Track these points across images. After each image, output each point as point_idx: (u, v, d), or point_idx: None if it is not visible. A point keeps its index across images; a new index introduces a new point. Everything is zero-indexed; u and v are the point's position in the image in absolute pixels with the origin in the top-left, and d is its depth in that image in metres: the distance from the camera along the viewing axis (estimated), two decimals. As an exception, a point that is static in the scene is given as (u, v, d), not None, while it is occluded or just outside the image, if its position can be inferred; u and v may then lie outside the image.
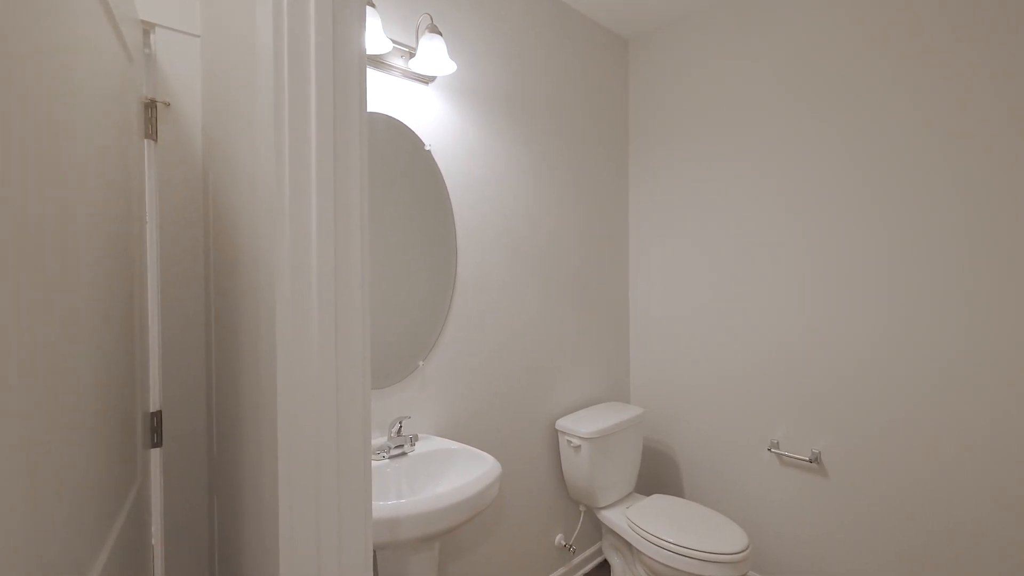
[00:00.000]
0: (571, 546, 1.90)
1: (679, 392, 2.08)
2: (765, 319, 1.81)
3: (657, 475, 2.17)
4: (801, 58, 1.71)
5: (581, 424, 1.77)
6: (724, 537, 1.54)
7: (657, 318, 2.15)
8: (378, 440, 1.33)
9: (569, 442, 1.76)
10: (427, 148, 1.46)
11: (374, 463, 1.26)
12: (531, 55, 1.78)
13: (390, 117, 1.38)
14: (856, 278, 1.60)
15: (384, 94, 1.38)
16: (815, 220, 1.68)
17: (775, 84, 1.77)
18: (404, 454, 1.32)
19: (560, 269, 1.91)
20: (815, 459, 1.69)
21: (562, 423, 1.80)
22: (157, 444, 1.16)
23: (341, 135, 0.68)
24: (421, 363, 1.45)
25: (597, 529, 2.07)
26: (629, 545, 1.74)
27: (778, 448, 1.79)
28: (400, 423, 1.32)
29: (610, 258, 2.14)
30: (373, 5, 1.22)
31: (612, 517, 1.77)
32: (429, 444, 1.38)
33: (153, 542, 1.16)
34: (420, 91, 1.45)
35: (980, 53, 1.38)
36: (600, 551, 2.05)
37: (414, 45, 1.43)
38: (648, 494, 2.20)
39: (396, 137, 1.40)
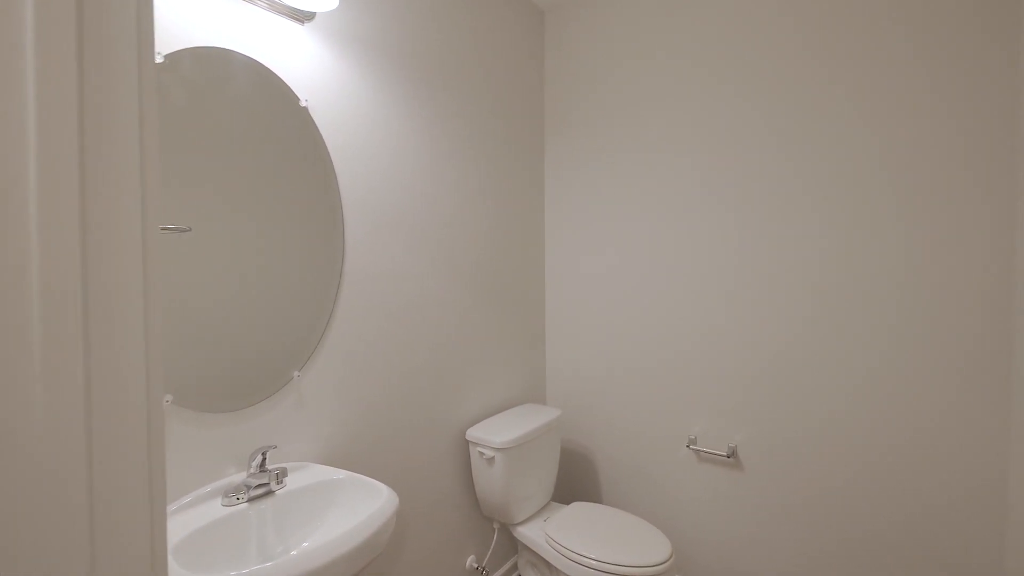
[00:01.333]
0: (484, 568, 1.71)
1: (598, 390, 1.97)
2: (684, 312, 1.75)
3: (576, 480, 2.05)
4: (728, 43, 1.64)
5: (495, 432, 1.58)
6: (647, 547, 1.43)
7: (575, 312, 2.02)
8: (234, 478, 1.03)
9: (481, 454, 1.56)
10: (303, 104, 1.17)
11: (227, 509, 0.95)
12: (437, 8, 1.54)
13: (252, 60, 1.07)
14: (777, 272, 1.57)
15: (243, 29, 1.06)
16: (738, 212, 1.64)
17: (700, 69, 1.69)
18: (270, 493, 1.03)
19: (470, 258, 1.69)
20: (732, 454, 1.66)
21: (474, 432, 1.60)
22: None
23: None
24: (297, 374, 1.16)
25: (513, 546, 1.90)
26: (547, 563, 1.59)
27: (696, 444, 1.74)
28: (264, 454, 1.02)
29: (524, 248, 1.97)
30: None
31: (529, 533, 1.60)
32: (306, 476, 1.10)
33: None
34: (294, 32, 1.15)
35: (915, 46, 1.38)
36: (516, 569, 1.89)
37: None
38: (567, 502, 2.07)
39: (261, 87, 1.09)
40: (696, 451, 1.72)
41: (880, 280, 1.41)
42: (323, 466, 1.15)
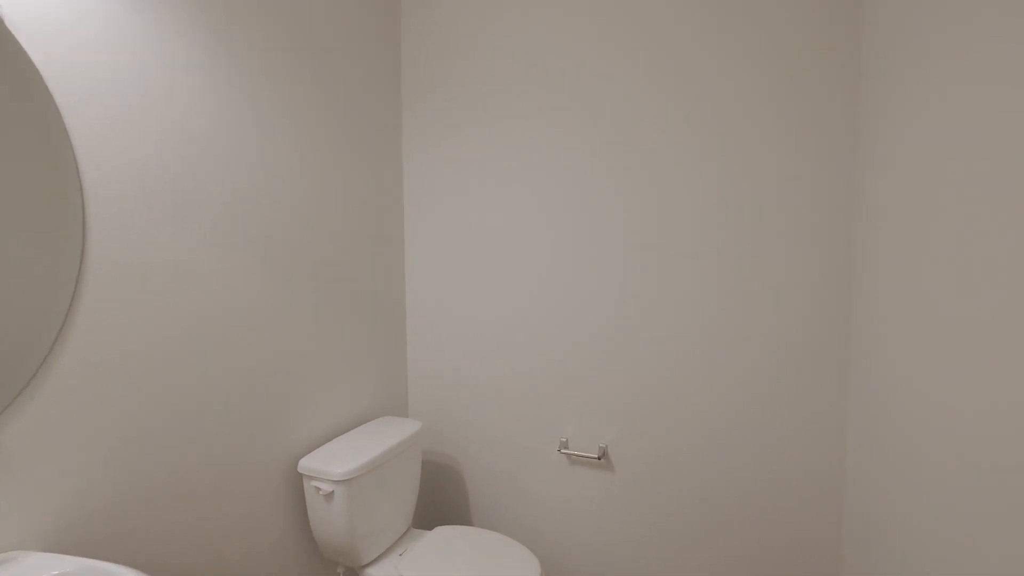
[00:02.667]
0: (328, 622, 1.42)
1: (466, 395, 1.77)
2: (556, 308, 1.61)
3: (442, 500, 1.84)
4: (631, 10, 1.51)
5: (335, 460, 1.29)
6: (514, 572, 1.27)
7: (439, 311, 1.78)
8: None
9: (318, 489, 1.27)
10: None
11: None
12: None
13: None
14: (641, 269, 1.50)
15: None
16: (612, 207, 1.53)
17: (592, 28, 1.55)
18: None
19: (307, 252, 1.37)
20: (602, 454, 1.57)
21: (308, 463, 1.29)
22: None
23: None
24: (-8, 422, 0.76)
25: (367, 582, 1.63)
26: (404, 606, 1.36)
27: (567, 447, 1.63)
28: None
29: (379, 239, 1.68)
30: None
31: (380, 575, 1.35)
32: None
33: None
34: None
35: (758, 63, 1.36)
36: (371, 609, 1.62)
37: None
38: (430, 527, 1.85)
39: None
40: (568, 454, 1.61)
41: (731, 273, 1.40)
42: (44, 555, 0.77)
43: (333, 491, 1.25)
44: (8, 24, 0.78)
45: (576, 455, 1.59)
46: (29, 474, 0.81)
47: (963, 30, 0.84)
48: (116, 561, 0.93)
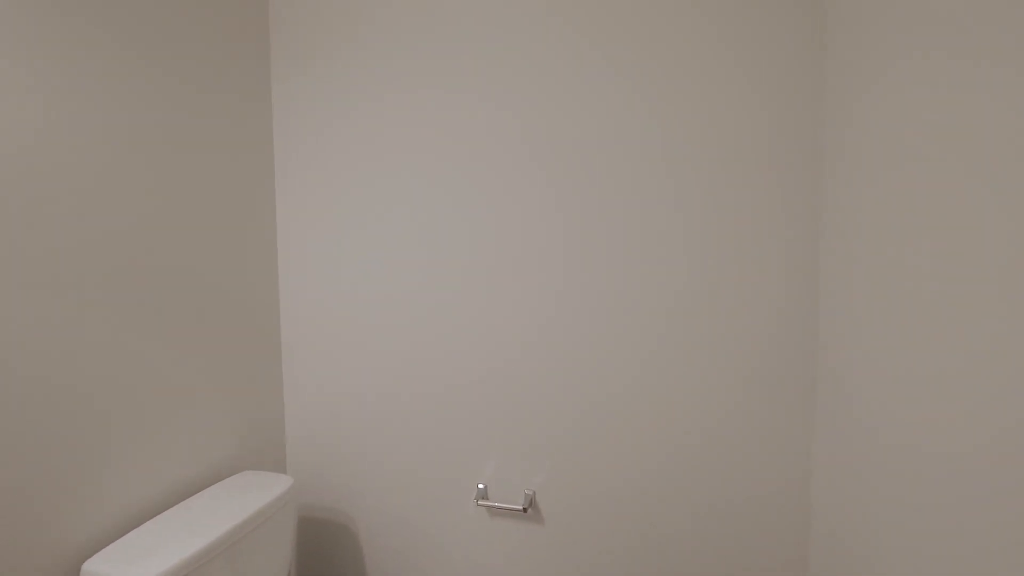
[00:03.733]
0: None
1: (360, 431, 1.39)
2: (470, 321, 1.28)
3: (331, 568, 1.45)
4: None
5: (141, 559, 0.87)
6: None
7: (324, 325, 1.39)
8: None
9: (110, 607, 0.85)
10: None
11: None
12: None
13: None
14: (576, 273, 1.20)
15: None
16: (529, 199, 1.21)
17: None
18: None
19: (131, 258, 0.93)
20: (530, 504, 1.27)
21: (95, 567, 0.86)
22: None
23: None
24: None
25: None
26: None
27: (487, 497, 1.31)
28: None
29: (239, 235, 1.25)
30: None
31: None
32: None
33: None
34: None
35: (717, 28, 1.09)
36: None
37: None
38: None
39: None
40: (487, 506, 1.28)
41: (686, 285, 1.14)
42: None
43: (131, 611, 0.84)
44: None
45: (498, 506, 1.27)
46: None
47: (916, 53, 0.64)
48: None
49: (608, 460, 1.22)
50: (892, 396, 0.83)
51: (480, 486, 1.30)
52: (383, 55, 1.27)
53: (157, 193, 1.04)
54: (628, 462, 1.21)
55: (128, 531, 0.99)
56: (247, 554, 1.04)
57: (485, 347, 1.27)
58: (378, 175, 1.30)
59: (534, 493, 1.28)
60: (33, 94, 0.83)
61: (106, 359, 0.95)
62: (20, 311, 0.81)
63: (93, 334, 0.92)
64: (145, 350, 1.02)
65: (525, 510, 1.24)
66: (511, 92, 1.20)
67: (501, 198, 1.22)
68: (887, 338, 0.84)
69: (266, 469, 1.37)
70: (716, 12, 1.08)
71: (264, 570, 1.09)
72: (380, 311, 1.33)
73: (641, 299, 1.17)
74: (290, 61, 1.33)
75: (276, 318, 1.40)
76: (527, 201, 1.21)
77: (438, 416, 1.32)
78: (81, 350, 0.90)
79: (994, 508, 0.62)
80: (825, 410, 1.05)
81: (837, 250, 1.00)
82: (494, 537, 1.31)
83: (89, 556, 0.91)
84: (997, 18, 0.61)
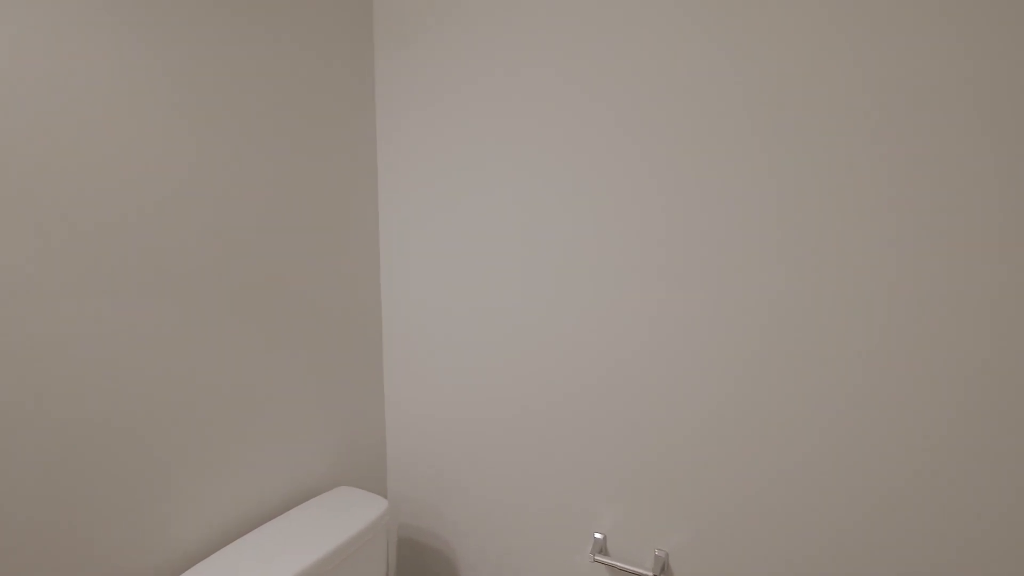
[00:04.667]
0: None
1: (460, 459, 1.24)
2: (591, 334, 1.07)
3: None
4: None
5: (226, 584, 0.80)
6: None
7: (425, 341, 1.28)
8: None
9: (193, 633, 0.78)
10: None
11: None
12: None
13: None
14: (727, 270, 0.94)
15: None
16: (676, 184, 0.99)
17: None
18: None
19: (204, 257, 0.90)
20: (661, 570, 1.01)
21: (183, 585, 0.80)
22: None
23: None
24: None
25: None
26: None
27: (605, 552, 1.08)
28: None
29: (340, 237, 1.20)
30: None
31: None
32: None
33: None
34: None
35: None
36: None
37: None
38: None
39: None
40: (607, 564, 1.05)
41: (870, 292, 0.82)
42: None
43: (210, 642, 0.76)
44: None
45: (620, 567, 1.03)
46: None
47: None
48: None
49: (781, 519, 0.92)
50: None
51: (597, 536, 1.08)
52: (498, 32, 1.14)
53: (263, 194, 1.01)
54: (813, 529, 0.90)
55: (222, 546, 0.93)
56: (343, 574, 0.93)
57: (603, 363, 1.05)
58: (479, 177, 1.16)
59: (667, 556, 1.02)
60: (139, 99, 0.81)
61: (208, 366, 0.91)
62: (124, 317, 0.79)
63: (197, 342, 0.89)
64: (247, 358, 0.98)
65: (658, 575, 0.99)
66: (627, 77, 0.99)
67: (640, 193, 1.01)
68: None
69: (364, 486, 1.28)
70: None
71: (354, 605, 0.98)
72: (483, 322, 1.18)
73: (829, 305, 0.87)
74: (395, 38, 1.27)
75: (378, 329, 1.33)
76: (675, 199, 0.99)
77: (548, 446, 1.12)
78: (185, 356, 0.87)
79: None
80: None
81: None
82: (614, 603, 1.07)
83: (182, 571, 0.86)
84: None
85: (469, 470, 1.23)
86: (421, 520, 1.31)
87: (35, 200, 0.68)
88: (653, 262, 0.99)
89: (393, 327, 1.32)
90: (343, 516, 1.02)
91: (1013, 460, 0.76)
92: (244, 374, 0.97)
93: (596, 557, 1.04)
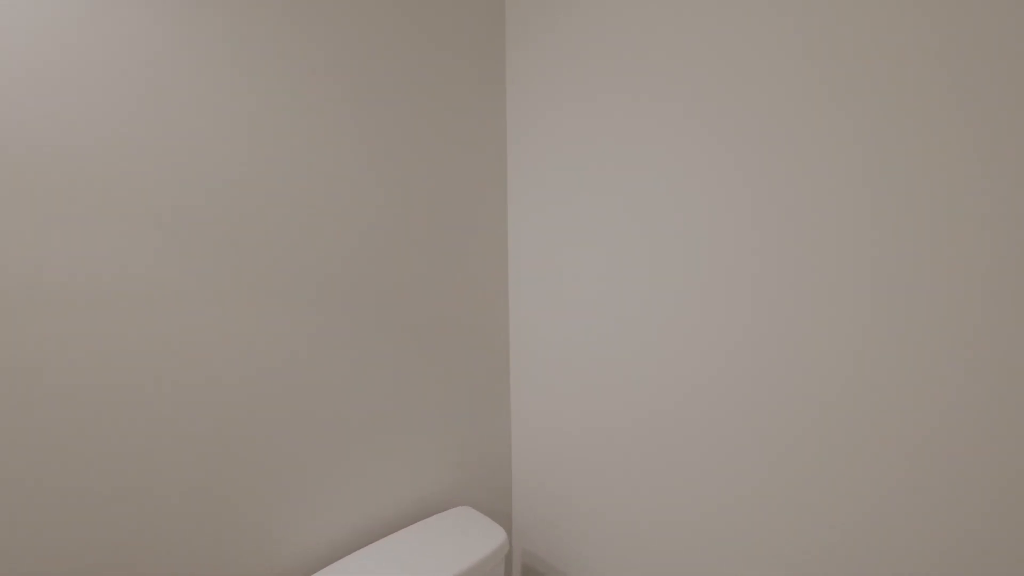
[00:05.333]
0: None
1: (593, 493, 1.09)
2: (764, 350, 0.84)
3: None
4: None
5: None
6: None
7: (555, 354, 1.15)
8: None
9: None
10: None
11: None
12: None
13: None
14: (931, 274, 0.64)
15: None
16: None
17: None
18: None
19: (352, 268, 0.90)
20: None
21: (302, 597, 0.80)
22: None
23: None
24: None
25: None
26: None
27: (776, 644, 0.83)
28: None
29: (464, 239, 1.14)
30: None
31: None
32: None
33: None
34: None
35: None
36: None
37: None
38: None
39: None
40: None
41: None
42: None
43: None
44: None
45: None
46: None
47: None
48: None
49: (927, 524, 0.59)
50: None
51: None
52: (634, 14, 0.96)
53: (393, 200, 0.98)
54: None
55: (337, 558, 0.92)
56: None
57: (786, 391, 0.80)
58: (613, 180, 0.99)
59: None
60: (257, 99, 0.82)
61: (337, 374, 0.90)
62: (254, 326, 0.80)
63: (327, 349, 0.89)
64: (375, 367, 0.96)
65: None
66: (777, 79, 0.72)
67: (754, 205, 0.76)
68: None
69: (487, 507, 1.21)
70: None
71: (468, 644, 0.89)
72: (617, 329, 1.01)
73: None
74: (526, 25, 1.16)
75: (505, 339, 1.24)
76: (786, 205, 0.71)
77: (688, 464, 0.91)
78: (315, 364, 0.87)
79: None
80: None
81: None
82: None
83: (301, 578, 0.86)
84: None
85: (600, 509, 1.07)
86: (546, 547, 1.19)
87: (186, 215, 0.72)
88: (792, 266, 0.72)
89: (521, 336, 1.22)
90: (461, 542, 0.94)
91: None
92: (371, 383, 0.95)
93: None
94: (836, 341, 0.74)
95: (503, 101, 1.20)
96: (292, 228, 0.84)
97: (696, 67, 0.87)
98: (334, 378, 0.90)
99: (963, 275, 0.64)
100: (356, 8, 0.91)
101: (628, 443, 1.01)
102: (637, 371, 0.99)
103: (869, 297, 0.71)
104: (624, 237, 1.00)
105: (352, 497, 0.94)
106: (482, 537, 0.96)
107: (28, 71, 0.60)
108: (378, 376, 0.97)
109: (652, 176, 0.94)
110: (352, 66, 0.91)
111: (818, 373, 0.76)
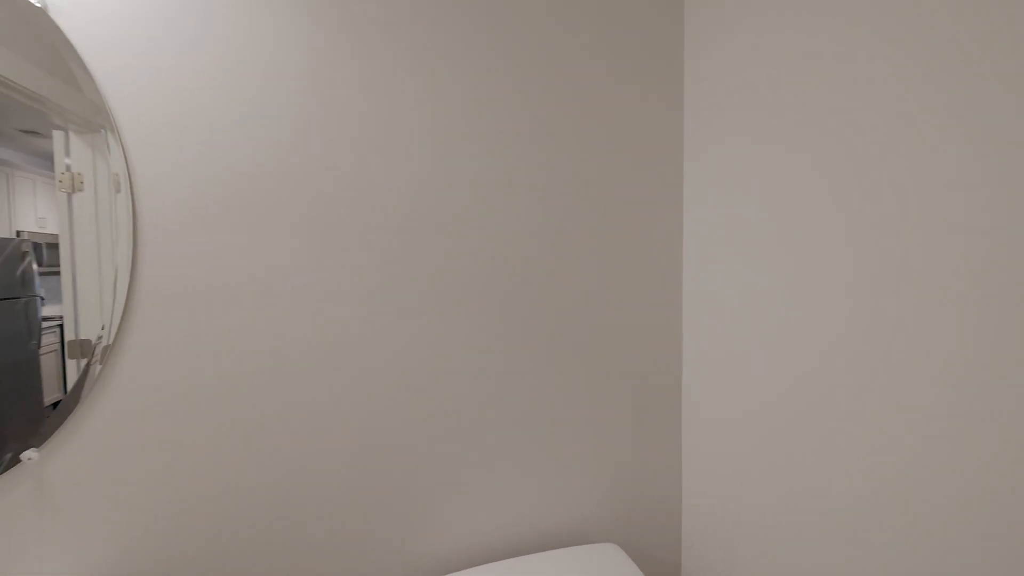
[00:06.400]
0: None
1: (778, 550, 0.84)
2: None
3: None
4: None
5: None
6: None
7: (734, 386, 0.92)
8: None
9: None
10: (38, 3, 0.69)
11: None
12: None
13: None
14: None
15: None
16: None
17: None
18: None
19: (479, 268, 0.90)
20: None
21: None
22: None
23: None
24: (31, 455, 0.71)
25: None
26: None
27: None
28: None
29: (644, 248, 1.00)
30: None
31: None
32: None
33: None
34: None
35: None
36: None
37: None
38: None
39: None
40: None
41: None
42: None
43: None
44: (53, 15, 0.69)
45: None
46: (72, 513, 0.74)
47: None
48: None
49: None
50: None
51: None
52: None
53: (564, 209, 0.92)
54: None
55: (464, 567, 0.93)
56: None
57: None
58: (801, 190, 0.70)
59: None
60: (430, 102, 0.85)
61: (492, 382, 0.91)
62: (408, 330, 0.86)
63: (484, 356, 0.90)
64: (532, 380, 0.93)
65: None
66: None
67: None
68: None
69: (640, 550, 1.05)
70: None
71: None
72: (808, 358, 0.73)
73: None
74: (708, 22, 0.92)
75: (678, 362, 1.05)
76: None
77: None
78: (456, 368, 0.89)
79: None
80: None
81: None
82: None
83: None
84: None
85: (799, 551, 0.81)
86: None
87: (353, 223, 0.82)
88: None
89: (696, 355, 1.01)
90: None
91: None
92: (523, 394, 0.93)
93: None
94: None
95: (680, 106, 1.00)
96: (453, 235, 0.87)
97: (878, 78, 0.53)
98: (484, 385, 0.91)
99: None
100: (520, 14, 0.88)
101: (847, 502, 0.73)
102: (856, 405, 0.70)
103: None
104: (810, 256, 0.70)
105: (489, 509, 0.93)
106: (618, 590, 0.84)
107: (229, 109, 0.77)
108: (531, 388, 0.94)
109: (844, 189, 0.63)
110: (517, 72, 0.89)
111: None
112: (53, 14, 0.69)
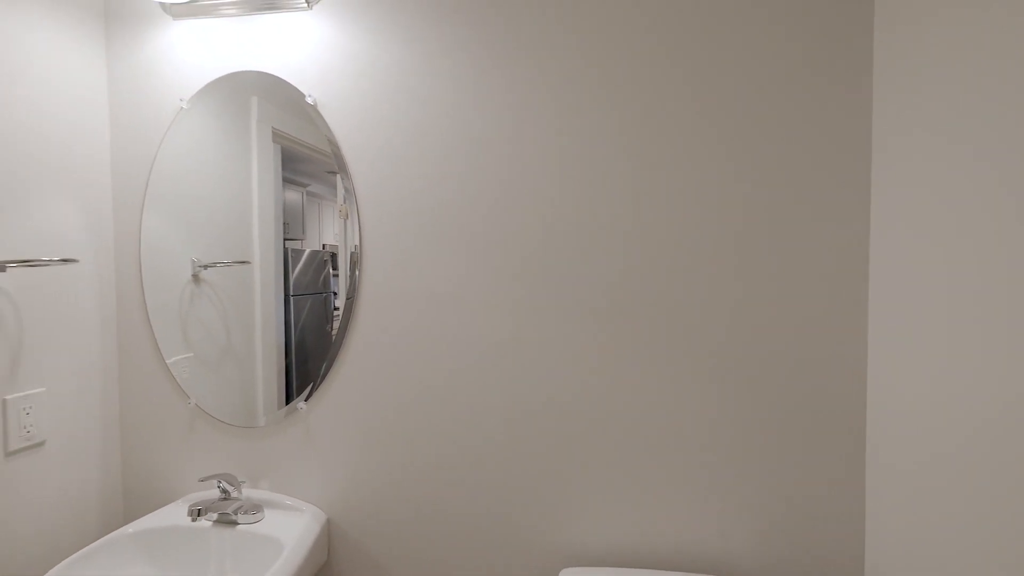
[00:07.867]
0: None
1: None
2: None
3: None
4: None
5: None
6: None
7: (943, 419, 0.76)
8: (210, 493, 1.08)
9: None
10: (310, 100, 1.00)
11: (189, 522, 0.99)
12: None
13: (256, 72, 1.02)
14: None
15: (249, 39, 1.02)
16: None
17: None
18: (233, 523, 0.99)
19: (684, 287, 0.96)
20: None
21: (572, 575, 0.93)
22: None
23: None
24: (302, 405, 1.05)
25: None
26: None
27: None
28: (220, 483, 1.00)
29: (819, 276, 0.91)
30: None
31: None
32: (278, 521, 0.99)
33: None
34: (298, 22, 1.00)
35: None
36: None
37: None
38: None
39: (269, 91, 1.02)
40: None
41: None
42: (304, 515, 1.00)
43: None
44: (320, 109, 1.00)
45: None
46: (324, 451, 1.06)
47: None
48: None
49: None
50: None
51: None
52: None
53: (739, 219, 0.93)
54: None
55: (599, 564, 0.98)
56: None
57: None
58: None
59: None
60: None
61: (646, 393, 0.96)
62: (570, 341, 0.97)
63: (636, 368, 0.96)
64: (690, 399, 0.95)
65: None
66: None
67: None
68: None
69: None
70: None
71: None
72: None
73: None
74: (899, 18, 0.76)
75: (862, 396, 0.91)
76: None
77: None
78: (624, 381, 0.97)
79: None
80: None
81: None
82: None
83: (568, 565, 0.99)
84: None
85: None
86: None
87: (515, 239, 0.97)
88: None
89: (884, 393, 0.87)
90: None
91: None
92: (685, 411, 0.95)
93: None
94: None
95: (868, 112, 0.86)
96: (622, 251, 0.96)
97: None
98: (642, 398, 0.96)
99: None
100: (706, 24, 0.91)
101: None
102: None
103: None
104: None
105: (634, 517, 0.97)
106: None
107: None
108: (690, 405, 0.95)
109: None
110: (695, 84, 0.92)
111: None
112: (320, 108, 1.00)
